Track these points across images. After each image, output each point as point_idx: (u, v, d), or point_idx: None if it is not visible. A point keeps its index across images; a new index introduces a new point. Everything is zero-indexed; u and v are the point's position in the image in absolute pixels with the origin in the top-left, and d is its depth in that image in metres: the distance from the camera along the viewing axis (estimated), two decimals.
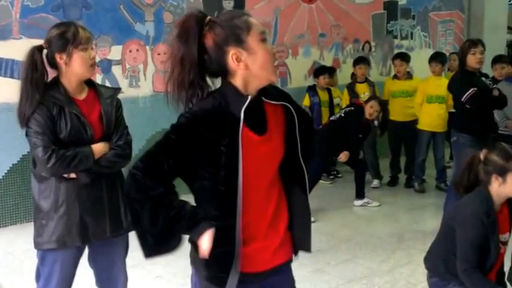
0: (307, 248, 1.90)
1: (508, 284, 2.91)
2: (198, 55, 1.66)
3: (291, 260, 1.90)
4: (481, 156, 2.64)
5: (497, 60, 5.73)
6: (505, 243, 2.64)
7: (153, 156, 1.67)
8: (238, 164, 1.65)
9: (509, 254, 3.03)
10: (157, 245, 1.70)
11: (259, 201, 1.76)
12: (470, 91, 4.52)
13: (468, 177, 2.67)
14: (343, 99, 6.39)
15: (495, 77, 5.66)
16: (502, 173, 2.56)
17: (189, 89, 1.68)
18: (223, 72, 1.71)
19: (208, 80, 1.73)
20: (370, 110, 5.37)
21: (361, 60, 6.37)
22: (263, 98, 1.75)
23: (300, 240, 1.88)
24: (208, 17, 1.73)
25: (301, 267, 3.55)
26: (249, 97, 1.68)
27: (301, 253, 1.92)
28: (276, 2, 6.58)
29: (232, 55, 1.67)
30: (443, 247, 2.68)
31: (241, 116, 1.65)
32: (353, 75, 6.55)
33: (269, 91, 1.77)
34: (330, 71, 6.51)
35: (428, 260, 2.80)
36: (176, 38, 1.69)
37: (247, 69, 1.68)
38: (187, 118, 1.67)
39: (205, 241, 1.64)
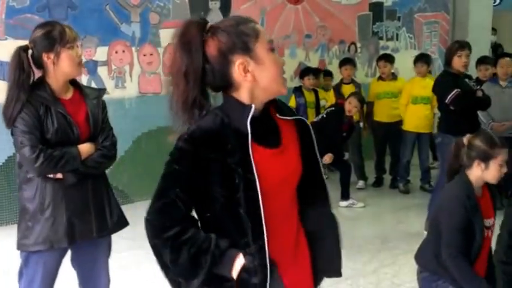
0: (336, 272, 1.79)
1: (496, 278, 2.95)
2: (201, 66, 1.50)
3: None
4: (465, 141, 2.69)
5: (481, 61, 5.80)
6: (490, 228, 2.68)
7: (162, 195, 1.54)
8: (255, 182, 1.48)
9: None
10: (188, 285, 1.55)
11: (283, 222, 1.61)
12: (453, 92, 4.58)
13: (454, 164, 2.71)
14: (329, 100, 6.43)
15: (479, 77, 5.74)
16: (486, 159, 2.60)
17: (191, 108, 1.53)
18: (226, 85, 1.54)
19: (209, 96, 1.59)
20: (349, 106, 5.40)
21: (347, 62, 6.42)
22: (277, 115, 1.61)
23: (327, 263, 1.75)
24: (209, 23, 1.55)
25: None
26: (253, 106, 1.52)
27: None
28: (262, 2, 6.60)
29: (238, 65, 1.50)
30: (434, 241, 2.70)
31: (248, 129, 1.49)
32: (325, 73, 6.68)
33: (279, 105, 1.63)
34: (315, 72, 6.54)
35: (419, 257, 2.83)
36: (178, 49, 1.51)
37: (255, 81, 1.52)
38: (185, 141, 1.52)
39: (237, 269, 1.50)
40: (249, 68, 1.50)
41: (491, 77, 5.50)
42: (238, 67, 1.50)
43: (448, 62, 4.74)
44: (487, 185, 2.71)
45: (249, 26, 1.53)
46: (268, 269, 1.51)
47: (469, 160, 2.64)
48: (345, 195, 5.56)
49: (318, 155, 1.69)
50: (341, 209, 5.50)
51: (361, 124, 5.95)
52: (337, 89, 6.35)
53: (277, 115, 1.62)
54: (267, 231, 1.50)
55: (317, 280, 1.75)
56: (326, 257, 1.74)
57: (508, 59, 5.36)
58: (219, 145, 1.49)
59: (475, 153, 2.62)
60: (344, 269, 4.18)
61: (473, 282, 2.53)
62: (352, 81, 6.39)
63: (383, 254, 4.26)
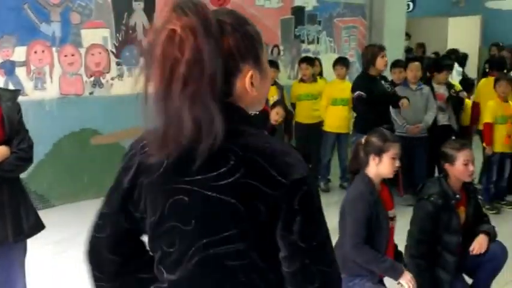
0: None
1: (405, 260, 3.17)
2: None
3: None
4: (363, 140, 2.90)
5: (395, 64, 6.11)
6: (392, 219, 2.89)
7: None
8: None
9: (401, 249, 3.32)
10: None
11: None
12: (355, 94, 4.90)
13: (354, 163, 2.92)
14: None
15: (394, 80, 6.06)
16: (379, 152, 2.81)
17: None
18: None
19: None
20: (276, 116, 5.44)
21: (270, 64, 6.56)
22: None
23: None
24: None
25: None
26: None
27: None
28: None
29: (249, 77, 1.18)
30: (345, 240, 2.83)
31: None
32: None
33: None
34: None
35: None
36: (204, 34, 1.08)
37: (255, 96, 1.21)
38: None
39: None
40: (255, 82, 1.19)
41: (404, 81, 5.83)
42: (247, 79, 1.18)
43: (369, 63, 4.99)
44: (383, 180, 2.92)
45: (255, 28, 1.22)
46: None
47: (366, 157, 2.84)
48: None
49: None
50: None
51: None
52: None
53: None
54: None
55: None
56: None
57: (417, 63, 5.71)
58: None
59: (370, 149, 2.83)
60: None
61: (381, 262, 2.72)
62: (275, 83, 6.55)
63: None
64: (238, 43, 1.16)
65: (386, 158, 2.81)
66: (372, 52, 4.99)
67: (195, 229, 1.14)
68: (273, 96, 6.36)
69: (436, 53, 9.77)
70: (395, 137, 2.95)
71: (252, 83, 1.18)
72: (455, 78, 8.24)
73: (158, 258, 1.20)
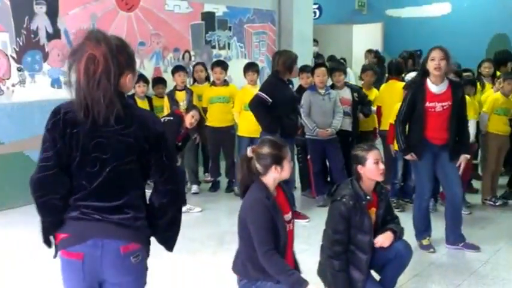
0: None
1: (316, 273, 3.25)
2: None
3: None
4: (249, 153, 2.92)
5: (303, 69, 6.24)
6: (290, 222, 2.95)
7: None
8: None
9: (317, 251, 3.40)
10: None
11: None
12: (259, 95, 5.02)
13: (247, 178, 2.92)
14: (164, 107, 6.45)
15: (302, 85, 6.20)
16: (279, 161, 2.86)
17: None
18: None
19: None
20: (191, 119, 5.41)
21: (180, 69, 6.51)
22: None
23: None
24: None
25: None
26: None
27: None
28: (93, 8, 6.40)
29: (128, 78, 2.11)
30: (246, 248, 2.88)
31: None
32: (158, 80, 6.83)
33: None
34: (146, 80, 6.52)
35: (236, 266, 2.99)
36: (111, 57, 2.02)
37: (129, 87, 2.18)
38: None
39: None
40: (130, 80, 2.15)
41: (312, 85, 5.98)
42: (127, 79, 2.11)
43: (286, 70, 5.11)
44: (279, 184, 2.97)
45: (132, 49, 2.15)
46: None
47: (264, 169, 2.86)
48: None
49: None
50: None
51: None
52: (171, 95, 6.41)
53: None
54: None
55: None
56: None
57: (323, 68, 5.88)
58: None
59: (269, 161, 2.85)
60: (181, 274, 4.29)
61: (288, 275, 2.74)
62: (185, 88, 6.49)
63: (219, 255, 4.40)
64: (125, 59, 2.08)
65: (286, 163, 2.89)
66: (291, 59, 5.13)
67: (110, 157, 2.05)
68: (184, 100, 6.32)
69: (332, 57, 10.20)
70: (282, 140, 3.03)
71: (128, 80, 2.11)
72: (352, 81, 8.61)
73: (83, 176, 2.06)
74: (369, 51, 10.60)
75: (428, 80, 4.23)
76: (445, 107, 4.19)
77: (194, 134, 5.76)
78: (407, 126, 4.40)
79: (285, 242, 2.87)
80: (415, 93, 4.27)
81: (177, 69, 6.49)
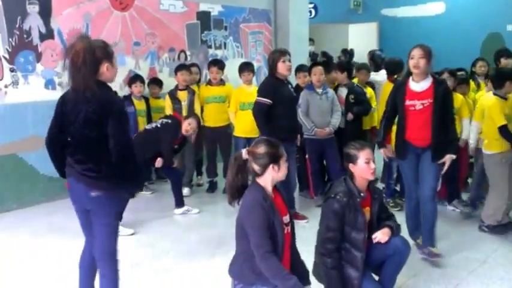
0: None
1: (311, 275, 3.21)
2: None
3: None
4: (244, 155, 2.88)
5: (299, 69, 6.21)
6: (288, 225, 2.91)
7: None
8: None
9: (312, 249, 3.35)
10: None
11: None
12: (257, 99, 4.94)
13: (234, 175, 2.88)
14: (166, 106, 6.39)
15: (299, 84, 6.16)
16: (276, 160, 2.84)
17: None
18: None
19: None
20: (188, 127, 5.36)
21: (182, 68, 6.41)
22: None
23: None
24: None
25: (120, 282, 3.45)
26: None
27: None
28: (86, 8, 6.34)
29: (105, 67, 2.90)
30: (243, 251, 2.84)
31: None
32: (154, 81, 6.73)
33: None
34: (142, 80, 6.46)
35: (233, 270, 2.94)
36: (88, 52, 2.83)
37: (108, 75, 2.96)
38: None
39: None
40: (108, 69, 2.94)
41: (309, 84, 5.93)
42: (105, 67, 2.90)
43: (272, 69, 5.02)
44: (275, 187, 2.94)
45: (106, 44, 2.95)
46: None
47: (261, 168, 2.84)
48: (179, 203, 5.57)
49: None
50: (176, 216, 5.52)
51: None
52: (173, 94, 6.35)
53: None
54: None
55: None
56: None
57: (320, 67, 5.83)
58: None
59: (266, 160, 2.83)
60: (179, 277, 4.24)
61: (285, 279, 2.71)
62: (187, 88, 6.42)
63: (217, 257, 4.36)
64: (102, 52, 2.87)
65: (282, 162, 2.87)
66: (272, 58, 5.03)
67: (81, 126, 2.87)
68: (185, 100, 6.26)
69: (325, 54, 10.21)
70: (277, 140, 2.99)
71: (107, 69, 2.88)
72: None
73: (70, 137, 2.97)
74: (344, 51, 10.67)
75: (410, 79, 4.23)
76: (425, 105, 4.12)
77: (191, 139, 5.73)
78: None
79: (282, 245, 2.83)
80: (396, 92, 4.29)
81: (179, 68, 6.40)
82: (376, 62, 7.75)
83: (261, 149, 2.85)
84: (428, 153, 4.19)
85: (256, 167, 2.85)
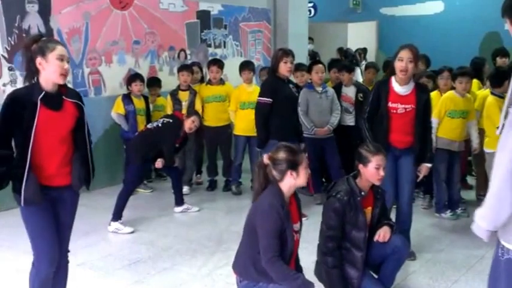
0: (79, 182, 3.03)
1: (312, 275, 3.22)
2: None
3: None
4: (265, 160, 2.90)
5: (297, 68, 6.20)
6: (297, 232, 2.92)
7: None
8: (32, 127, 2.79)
9: (314, 249, 3.36)
10: None
11: (51, 149, 2.92)
12: (259, 99, 4.92)
13: (261, 182, 2.90)
14: (167, 106, 6.40)
15: (297, 83, 6.16)
16: (295, 166, 2.83)
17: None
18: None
19: None
20: (191, 124, 5.33)
21: (184, 68, 6.41)
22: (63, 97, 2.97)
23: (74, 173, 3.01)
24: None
25: (120, 280, 3.50)
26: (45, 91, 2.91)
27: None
28: (86, 7, 6.34)
29: (39, 62, 2.86)
30: (250, 249, 2.85)
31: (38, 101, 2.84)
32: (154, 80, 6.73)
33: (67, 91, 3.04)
34: (142, 78, 6.45)
35: (237, 265, 2.95)
36: (25, 47, 2.94)
37: (45, 72, 2.88)
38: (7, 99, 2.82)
39: None
40: (43, 64, 2.86)
41: (308, 83, 5.94)
42: (38, 63, 2.88)
43: (274, 68, 5.01)
44: (294, 193, 2.94)
45: (44, 42, 2.92)
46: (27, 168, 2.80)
47: (280, 174, 2.84)
48: (179, 201, 5.58)
49: (85, 124, 3.06)
50: (176, 214, 5.53)
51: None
52: (174, 94, 6.35)
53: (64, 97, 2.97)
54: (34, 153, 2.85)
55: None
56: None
57: (320, 65, 5.84)
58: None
59: (284, 166, 2.83)
60: (179, 275, 4.24)
61: (292, 279, 2.72)
62: (189, 88, 6.41)
63: (217, 255, 4.37)
64: (37, 48, 2.87)
65: (302, 169, 2.86)
66: (275, 56, 5.01)
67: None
68: (186, 100, 6.26)
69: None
70: (297, 146, 3.00)
71: (40, 65, 2.86)
72: (360, 79, 8.58)
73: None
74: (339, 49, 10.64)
75: (393, 79, 4.08)
76: (407, 109, 4.02)
77: (192, 138, 5.73)
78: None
79: (291, 251, 2.84)
80: (380, 91, 4.12)
81: (181, 68, 6.38)
82: (349, 59, 7.75)
83: (280, 155, 2.85)
84: (407, 157, 4.11)
85: (275, 173, 2.85)
